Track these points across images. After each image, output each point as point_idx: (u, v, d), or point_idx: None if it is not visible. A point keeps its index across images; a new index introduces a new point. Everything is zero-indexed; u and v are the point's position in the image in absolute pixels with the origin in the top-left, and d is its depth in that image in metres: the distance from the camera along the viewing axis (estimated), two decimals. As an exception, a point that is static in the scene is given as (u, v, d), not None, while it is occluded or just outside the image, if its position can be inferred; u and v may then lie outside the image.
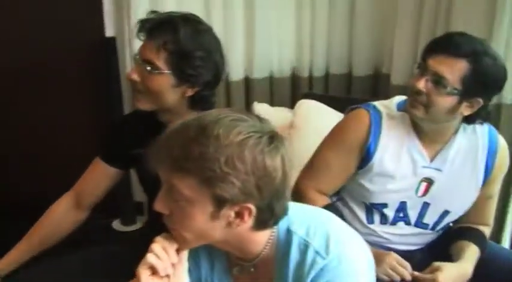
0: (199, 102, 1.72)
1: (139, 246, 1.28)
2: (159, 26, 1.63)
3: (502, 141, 1.87)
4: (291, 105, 2.70)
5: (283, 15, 2.88)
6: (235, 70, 2.88)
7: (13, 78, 2.92)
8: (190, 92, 1.69)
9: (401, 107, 1.84)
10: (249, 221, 1.20)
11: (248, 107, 2.85)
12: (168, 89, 1.66)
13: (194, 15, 1.72)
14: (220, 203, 1.16)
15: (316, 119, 2.42)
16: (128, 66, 2.79)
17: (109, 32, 2.96)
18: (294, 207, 1.32)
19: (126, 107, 2.94)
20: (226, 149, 1.12)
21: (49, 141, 3.07)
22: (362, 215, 1.92)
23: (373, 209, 1.89)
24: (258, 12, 2.81)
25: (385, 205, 1.87)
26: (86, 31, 2.99)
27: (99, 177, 1.89)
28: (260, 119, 1.22)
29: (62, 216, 1.89)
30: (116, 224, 3.32)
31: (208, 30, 1.70)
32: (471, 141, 1.84)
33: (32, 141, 3.04)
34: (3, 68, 2.87)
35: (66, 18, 2.94)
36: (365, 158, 1.83)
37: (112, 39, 2.92)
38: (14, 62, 2.89)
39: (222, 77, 1.75)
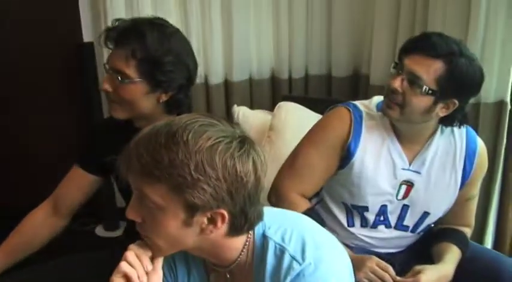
0: (175, 106, 1.70)
1: (119, 253, 1.26)
2: (125, 34, 1.60)
3: (480, 143, 1.87)
4: (271, 107, 2.69)
5: (261, 18, 2.87)
6: (215, 73, 2.88)
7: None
8: (164, 97, 1.67)
9: (380, 108, 1.83)
10: (222, 227, 1.19)
11: (228, 110, 2.84)
12: (141, 97, 1.64)
13: (160, 19, 1.70)
14: (192, 209, 1.14)
15: (296, 122, 2.40)
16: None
17: (87, 37, 2.94)
18: (269, 211, 1.30)
19: (106, 112, 2.91)
20: (195, 155, 1.10)
21: (27, 145, 3.05)
22: (342, 218, 1.90)
23: (353, 211, 1.88)
24: (235, 15, 2.81)
25: (365, 208, 1.86)
26: (64, 37, 2.98)
27: (77, 184, 1.85)
28: (231, 123, 1.21)
29: (40, 223, 1.85)
30: (99, 230, 3.30)
31: (175, 33, 1.67)
32: (449, 143, 1.83)
33: (9, 146, 3.02)
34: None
35: (44, 24, 2.93)
36: (346, 156, 1.81)
37: (90, 45, 2.90)
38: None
39: (195, 78, 1.73)
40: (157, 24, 1.65)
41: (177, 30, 1.70)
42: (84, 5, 2.93)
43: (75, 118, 3.10)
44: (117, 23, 1.64)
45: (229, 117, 2.72)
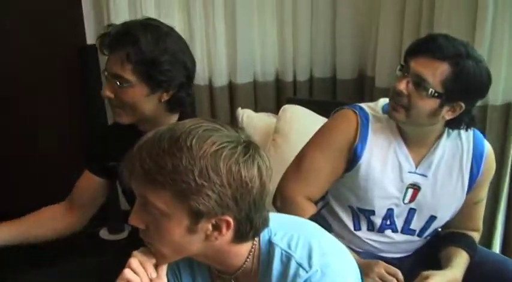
0: (177, 105, 1.71)
1: (123, 257, 1.25)
2: (119, 39, 1.60)
3: (488, 146, 1.84)
4: (276, 110, 2.67)
5: (265, 20, 2.85)
6: (219, 76, 2.86)
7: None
8: (166, 97, 1.67)
9: (386, 110, 1.81)
10: (227, 233, 1.17)
11: (232, 113, 2.82)
12: (142, 99, 1.64)
13: (152, 20, 1.71)
14: (196, 216, 1.12)
15: (301, 124, 2.38)
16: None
17: (90, 40, 2.93)
18: (275, 218, 1.29)
19: (109, 114, 2.90)
20: (199, 161, 1.09)
21: (27, 147, 3.03)
22: (349, 221, 1.88)
23: (360, 214, 1.86)
24: (239, 18, 2.79)
25: (372, 212, 1.83)
26: (66, 39, 2.96)
27: (87, 186, 1.87)
28: (235, 128, 1.19)
29: (57, 216, 1.86)
30: (103, 233, 3.28)
31: (169, 32, 1.67)
32: (455, 147, 1.81)
33: (9, 146, 3.01)
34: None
35: (46, 26, 2.92)
36: (352, 159, 1.79)
37: (93, 47, 2.88)
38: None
39: (194, 76, 1.73)
40: (150, 25, 1.65)
41: (171, 29, 1.70)
42: (87, 8, 2.91)
43: (78, 122, 3.08)
44: (109, 29, 1.64)
45: (233, 119, 2.71)
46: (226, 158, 1.10)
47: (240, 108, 2.67)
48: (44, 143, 3.08)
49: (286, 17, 2.85)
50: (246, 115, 2.59)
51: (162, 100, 1.67)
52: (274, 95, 2.96)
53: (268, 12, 2.85)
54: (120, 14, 2.70)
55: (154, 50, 1.60)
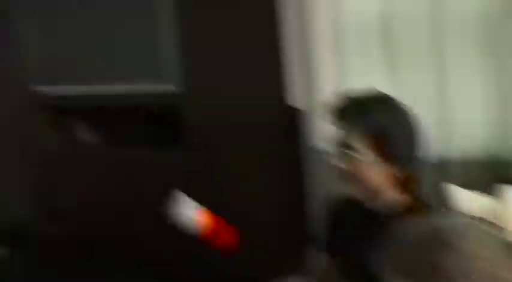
0: (406, 183, 1.66)
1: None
2: (352, 110, 1.64)
3: None
4: (487, 190, 2.51)
5: (478, 90, 2.76)
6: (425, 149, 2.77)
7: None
8: (395, 173, 1.64)
9: None
10: None
11: (439, 189, 2.71)
12: (372, 172, 1.64)
13: (383, 94, 1.71)
14: None
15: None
16: (316, 140, 2.82)
17: (295, 103, 2.99)
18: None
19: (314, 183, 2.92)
20: (465, 262, 1.05)
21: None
22: None
23: None
24: (449, 90, 2.75)
25: None
26: (271, 102, 3.04)
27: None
28: (491, 225, 1.14)
29: None
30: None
31: (399, 107, 1.67)
32: None
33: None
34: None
35: (252, 88, 3.02)
36: None
37: (299, 111, 2.94)
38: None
39: (423, 153, 1.69)
40: (381, 98, 1.67)
41: (401, 104, 1.69)
42: (294, 71, 2.98)
43: (276, 185, 3.11)
44: (340, 100, 1.68)
45: (439, 196, 2.59)
46: (489, 260, 1.05)
47: (448, 185, 2.56)
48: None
49: (492, 92, 2.73)
50: (456, 193, 2.47)
51: (392, 176, 1.64)
52: (485, 174, 2.80)
53: (482, 84, 2.75)
54: (328, 79, 2.74)
55: (387, 123, 1.61)
